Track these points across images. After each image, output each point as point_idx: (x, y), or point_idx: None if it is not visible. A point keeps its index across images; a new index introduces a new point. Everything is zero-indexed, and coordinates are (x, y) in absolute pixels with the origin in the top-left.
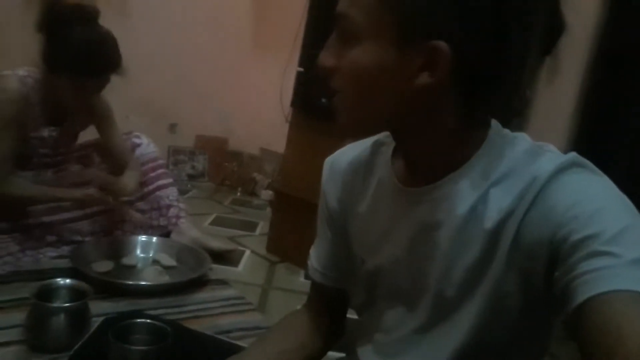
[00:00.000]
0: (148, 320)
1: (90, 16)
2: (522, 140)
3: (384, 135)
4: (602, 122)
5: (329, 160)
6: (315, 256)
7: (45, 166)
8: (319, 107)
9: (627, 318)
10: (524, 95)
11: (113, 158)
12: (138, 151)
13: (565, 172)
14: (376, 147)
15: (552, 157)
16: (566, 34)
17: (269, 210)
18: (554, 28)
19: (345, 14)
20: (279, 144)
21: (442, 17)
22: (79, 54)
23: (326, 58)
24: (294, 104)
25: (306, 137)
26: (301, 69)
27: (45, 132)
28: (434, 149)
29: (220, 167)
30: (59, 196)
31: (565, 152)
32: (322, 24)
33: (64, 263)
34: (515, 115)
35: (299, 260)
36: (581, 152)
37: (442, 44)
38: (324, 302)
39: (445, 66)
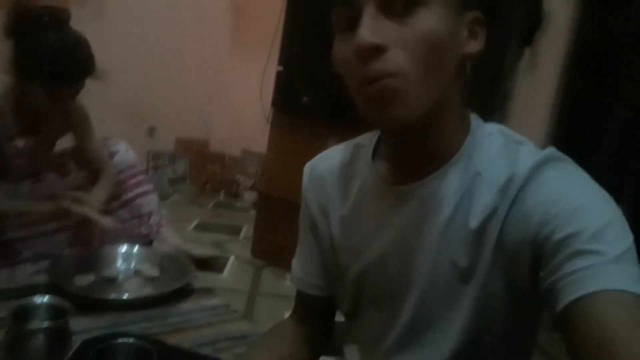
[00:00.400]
0: (130, 340)
1: (61, 19)
2: (501, 134)
3: (362, 138)
4: (581, 115)
5: (308, 166)
6: (298, 265)
7: (22, 177)
8: (300, 106)
9: (614, 317)
10: (504, 87)
11: (89, 166)
12: (116, 158)
13: (544, 168)
14: (355, 150)
15: (530, 152)
16: (545, 26)
17: (253, 212)
18: (534, 18)
19: None
20: (261, 145)
21: None
22: (51, 60)
23: (374, 35)
24: (274, 103)
25: (288, 136)
26: (281, 68)
27: (21, 142)
28: (435, 139)
29: (201, 170)
30: (30, 210)
31: (545, 145)
32: (300, 22)
33: (42, 278)
34: (496, 106)
35: (285, 263)
36: (560, 145)
37: (482, 15)
38: (309, 311)
39: (482, 38)
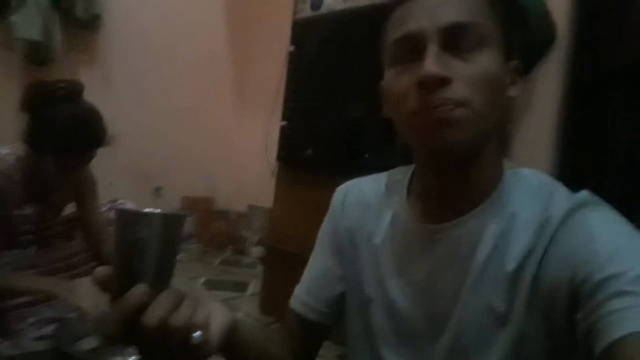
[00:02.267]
0: None
1: (75, 91)
2: (534, 177)
3: (395, 172)
4: (582, 149)
5: (342, 189)
6: (304, 287)
7: (29, 243)
8: (304, 159)
9: None
10: (506, 130)
11: (91, 234)
12: None
13: (581, 211)
14: (390, 182)
15: (565, 195)
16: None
17: (259, 268)
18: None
19: (472, 22)
20: (267, 200)
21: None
22: (63, 132)
23: (442, 68)
24: (279, 157)
25: (293, 189)
26: (284, 123)
27: (29, 209)
28: (473, 179)
29: (207, 228)
30: (31, 289)
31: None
32: (302, 78)
33: (46, 344)
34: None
35: None
36: (565, 182)
37: (521, 65)
38: (304, 334)
39: (521, 86)
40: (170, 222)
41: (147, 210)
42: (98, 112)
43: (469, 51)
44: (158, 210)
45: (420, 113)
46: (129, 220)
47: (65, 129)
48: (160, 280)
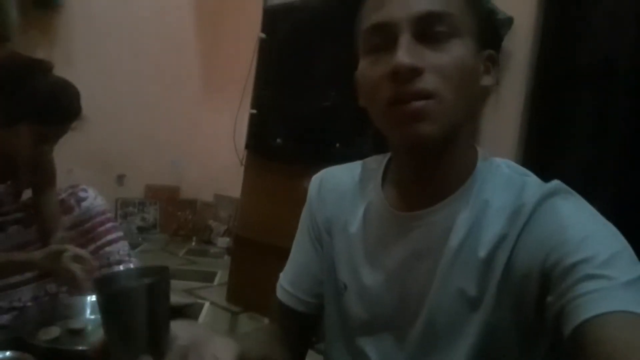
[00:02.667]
0: None
1: (46, 68)
2: (506, 166)
3: (370, 160)
4: (544, 148)
5: (317, 178)
6: (288, 278)
7: None
8: (274, 148)
9: (624, 339)
10: (478, 119)
11: (43, 220)
12: (84, 204)
13: (553, 198)
14: (365, 171)
15: (537, 183)
16: (506, 62)
17: (226, 258)
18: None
19: (444, 11)
20: (234, 189)
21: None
22: (44, 101)
23: (414, 58)
24: (248, 146)
25: (263, 178)
26: (254, 111)
27: None
28: (447, 167)
29: (172, 217)
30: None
31: None
32: (272, 66)
33: (4, 334)
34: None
35: (263, 307)
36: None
37: (496, 54)
38: (293, 325)
39: (495, 75)
40: (156, 286)
41: (123, 273)
42: (74, 86)
43: (441, 41)
44: (135, 269)
45: (393, 105)
46: (111, 296)
47: (48, 98)
48: (158, 339)
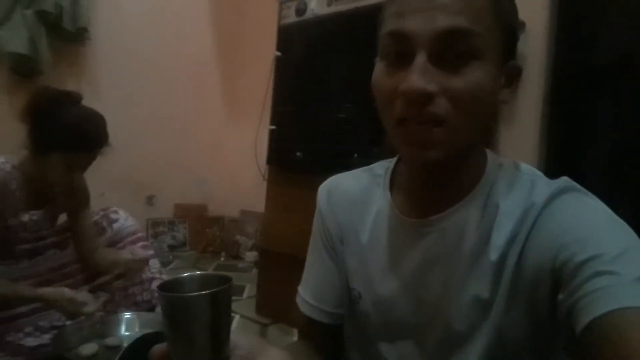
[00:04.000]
0: None
1: (75, 99)
2: (515, 168)
3: (376, 166)
4: (567, 152)
5: (324, 187)
6: (308, 291)
7: (24, 253)
8: (294, 161)
9: (636, 337)
10: (493, 128)
11: (82, 243)
12: (116, 226)
13: (561, 196)
14: (371, 178)
15: (546, 182)
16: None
17: (254, 272)
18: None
19: (468, 29)
20: (259, 204)
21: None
22: (73, 131)
23: (426, 83)
24: (269, 161)
25: (285, 191)
26: (273, 127)
27: (26, 217)
28: (457, 175)
29: (201, 234)
30: (28, 296)
31: None
32: (289, 82)
33: (46, 351)
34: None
35: (291, 318)
36: (550, 176)
37: (519, 65)
38: (322, 338)
39: (517, 85)
40: (220, 295)
41: (187, 279)
42: (101, 115)
43: (460, 64)
44: (198, 275)
45: (400, 126)
46: (176, 304)
47: (76, 127)
48: (220, 347)
